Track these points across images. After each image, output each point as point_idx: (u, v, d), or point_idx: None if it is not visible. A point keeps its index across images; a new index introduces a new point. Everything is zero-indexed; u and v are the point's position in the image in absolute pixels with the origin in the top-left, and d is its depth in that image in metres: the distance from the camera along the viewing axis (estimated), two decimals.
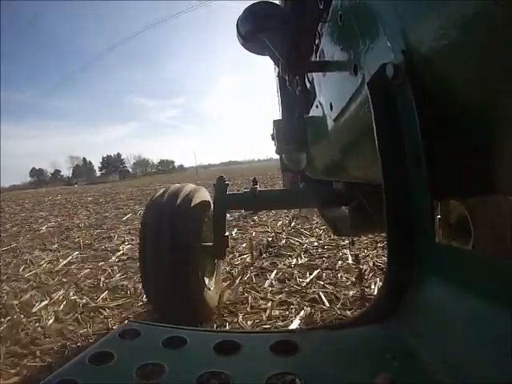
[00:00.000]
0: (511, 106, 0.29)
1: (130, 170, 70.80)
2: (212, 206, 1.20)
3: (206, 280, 1.19)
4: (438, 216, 1.07)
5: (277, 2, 1.08)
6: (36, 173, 69.90)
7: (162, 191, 1.19)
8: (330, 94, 0.76)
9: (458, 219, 1.08)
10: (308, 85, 1.12)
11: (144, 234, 1.07)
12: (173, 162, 74.22)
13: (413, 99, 0.37)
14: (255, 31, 0.99)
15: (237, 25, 1.03)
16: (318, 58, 0.81)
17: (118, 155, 72.07)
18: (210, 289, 1.20)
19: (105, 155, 72.20)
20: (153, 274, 1.04)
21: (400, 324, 0.37)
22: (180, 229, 1.04)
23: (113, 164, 70.45)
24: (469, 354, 0.28)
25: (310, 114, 1.08)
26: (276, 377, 0.32)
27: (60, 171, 71.40)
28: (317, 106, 0.93)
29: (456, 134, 0.38)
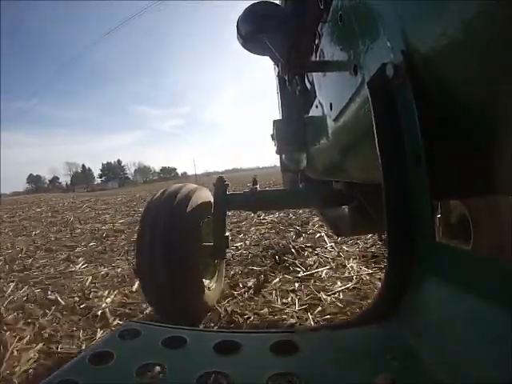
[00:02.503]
0: (511, 106, 0.29)
1: (131, 178, 69.87)
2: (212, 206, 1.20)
3: (206, 281, 1.19)
4: (439, 215, 1.07)
5: (277, 2, 1.08)
6: (33, 179, 68.75)
7: (162, 190, 1.19)
8: (329, 94, 0.76)
9: (458, 218, 1.08)
10: (308, 85, 1.12)
11: (142, 233, 1.07)
12: (175, 170, 73.05)
13: (413, 99, 0.37)
14: (255, 31, 0.99)
15: (237, 25, 1.03)
16: (317, 58, 0.81)
17: (119, 162, 71.23)
18: (209, 289, 1.19)
19: (105, 162, 71.27)
20: (151, 274, 1.04)
21: (400, 324, 0.37)
22: (179, 228, 1.04)
23: (113, 171, 69.42)
24: (469, 354, 0.28)
25: (309, 114, 1.08)
26: (276, 377, 0.32)
27: (58, 178, 70.27)
28: (316, 106, 0.93)
29: (456, 133, 0.38)
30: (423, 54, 0.37)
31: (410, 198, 0.40)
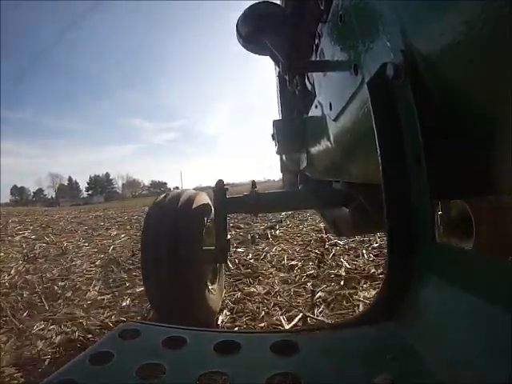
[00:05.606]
0: (511, 106, 0.29)
1: (120, 191, 67.18)
2: (213, 210, 1.20)
3: (209, 284, 1.19)
4: (440, 212, 1.07)
5: (277, 2, 1.08)
6: (18, 191, 66.12)
7: (163, 195, 1.20)
8: (329, 94, 0.76)
9: (459, 218, 1.08)
10: (308, 85, 1.12)
11: (146, 238, 1.06)
12: (165, 184, 70.25)
13: (413, 99, 0.37)
14: (255, 31, 0.99)
15: (236, 25, 1.03)
16: (317, 58, 0.81)
17: (107, 175, 68.97)
18: (213, 293, 1.19)
19: (93, 175, 68.74)
20: (155, 279, 1.04)
21: (400, 324, 0.37)
22: (182, 233, 1.03)
23: (100, 184, 67.09)
24: (469, 354, 0.28)
25: (309, 114, 1.08)
26: (276, 377, 0.32)
27: (43, 190, 67.12)
28: (316, 106, 0.93)
29: (456, 133, 0.38)
30: (423, 54, 0.37)
31: (410, 198, 0.40)
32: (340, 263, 1.71)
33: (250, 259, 1.96)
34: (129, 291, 1.62)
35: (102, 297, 1.58)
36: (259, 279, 1.60)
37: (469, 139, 0.37)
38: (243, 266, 1.83)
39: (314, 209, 1.51)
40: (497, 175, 0.36)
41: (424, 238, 0.38)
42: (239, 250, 2.24)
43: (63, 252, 2.77)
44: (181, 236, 1.02)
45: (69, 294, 1.65)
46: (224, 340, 0.39)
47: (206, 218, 1.17)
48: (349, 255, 1.86)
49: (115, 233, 3.80)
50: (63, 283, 1.85)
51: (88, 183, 67.77)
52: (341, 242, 2.13)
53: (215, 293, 1.23)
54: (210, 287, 1.18)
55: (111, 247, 2.83)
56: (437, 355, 0.31)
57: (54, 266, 2.31)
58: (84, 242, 3.26)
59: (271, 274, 1.66)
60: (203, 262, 1.12)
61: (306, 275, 1.58)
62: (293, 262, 1.81)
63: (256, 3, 1.02)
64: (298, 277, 1.57)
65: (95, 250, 2.83)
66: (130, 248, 2.69)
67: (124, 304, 1.46)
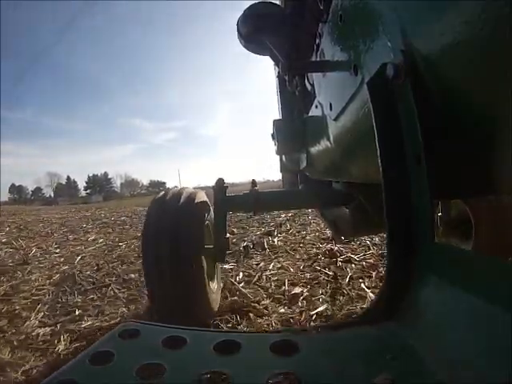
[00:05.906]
0: (511, 106, 0.29)
1: (118, 191, 66.65)
2: (212, 209, 1.20)
3: (209, 283, 1.19)
4: (439, 213, 1.07)
5: (277, 2, 1.09)
6: (16, 189, 66.05)
7: (162, 193, 1.20)
8: (329, 94, 0.76)
9: (458, 218, 1.08)
10: (308, 85, 1.12)
11: (146, 235, 1.06)
12: (164, 184, 69.40)
13: (413, 99, 0.37)
14: (254, 31, 1.00)
15: (237, 25, 1.04)
16: (317, 58, 0.81)
17: (105, 174, 68.66)
18: (213, 291, 1.19)
19: (91, 174, 68.33)
20: (156, 278, 1.04)
21: (400, 324, 0.37)
22: (183, 231, 1.03)
23: (98, 184, 66.82)
24: (469, 354, 0.28)
25: (309, 114, 1.08)
26: (276, 377, 0.32)
27: (41, 189, 66.92)
28: (316, 106, 0.93)
29: (456, 133, 0.38)
30: (423, 54, 0.37)
31: (410, 198, 0.40)
32: (361, 292, 1.25)
33: (240, 282, 1.49)
34: (72, 326, 1.23)
35: (41, 330, 1.22)
36: (249, 317, 1.13)
37: (469, 139, 0.37)
38: (230, 292, 1.37)
39: (313, 208, 1.51)
40: (497, 175, 0.36)
41: (424, 238, 0.38)
42: (227, 266, 1.75)
43: (25, 261, 2.41)
44: (182, 234, 1.02)
45: (3, 323, 1.31)
46: (224, 340, 0.39)
47: (207, 216, 1.17)
48: (370, 277, 1.40)
49: (93, 237, 3.51)
50: (2, 306, 1.51)
51: (86, 182, 67.66)
52: (356, 258, 1.69)
53: (215, 291, 1.23)
54: (210, 286, 1.18)
55: (80, 256, 2.51)
56: (437, 355, 0.31)
57: (7, 279, 1.97)
58: (55, 248, 2.96)
59: (266, 308, 1.20)
60: (203, 261, 1.12)
61: (317, 314, 1.10)
62: (296, 290, 1.33)
63: (255, 3, 1.02)
64: (304, 315, 1.11)
65: (62, 259, 2.50)
66: (100, 257, 2.41)
67: (59, 347, 1.08)
